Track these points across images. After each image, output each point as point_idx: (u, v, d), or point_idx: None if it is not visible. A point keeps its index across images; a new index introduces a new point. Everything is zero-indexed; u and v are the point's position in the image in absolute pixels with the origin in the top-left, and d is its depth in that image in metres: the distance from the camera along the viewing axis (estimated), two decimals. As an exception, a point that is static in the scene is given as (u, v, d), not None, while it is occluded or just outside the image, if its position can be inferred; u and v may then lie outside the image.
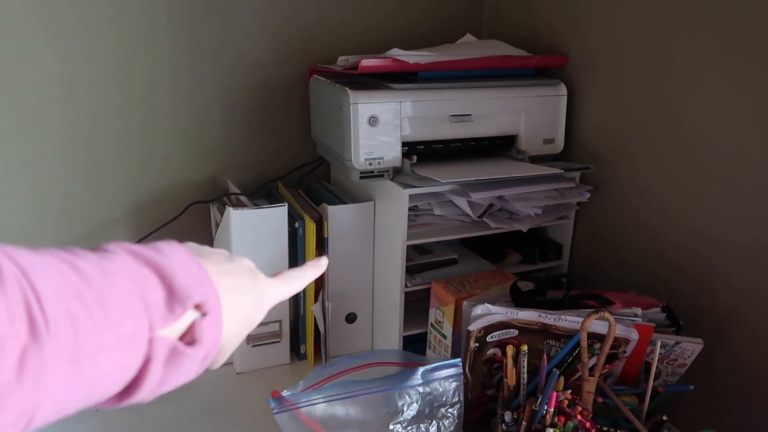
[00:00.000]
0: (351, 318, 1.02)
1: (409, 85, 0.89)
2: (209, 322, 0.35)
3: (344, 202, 0.97)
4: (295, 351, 1.02)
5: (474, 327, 0.72)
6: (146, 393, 0.33)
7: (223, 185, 1.12)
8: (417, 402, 0.63)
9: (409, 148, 0.91)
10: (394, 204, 0.89)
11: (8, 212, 0.99)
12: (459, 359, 0.68)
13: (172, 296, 0.33)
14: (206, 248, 0.42)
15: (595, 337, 0.69)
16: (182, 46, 1.02)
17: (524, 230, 0.94)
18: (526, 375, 0.70)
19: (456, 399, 0.65)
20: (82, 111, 0.99)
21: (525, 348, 0.70)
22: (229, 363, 0.99)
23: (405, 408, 0.63)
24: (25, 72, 0.94)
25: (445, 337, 0.90)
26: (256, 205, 0.92)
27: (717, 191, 0.79)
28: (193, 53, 1.03)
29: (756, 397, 0.76)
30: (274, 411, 0.67)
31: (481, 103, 0.94)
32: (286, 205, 0.93)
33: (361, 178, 0.90)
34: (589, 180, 0.98)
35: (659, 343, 0.69)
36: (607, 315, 0.64)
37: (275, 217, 0.92)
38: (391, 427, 0.62)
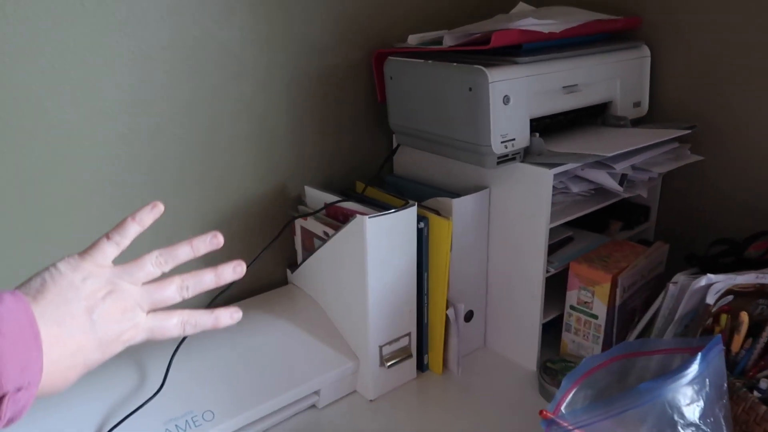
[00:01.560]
0: (468, 316, 0.94)
1: (531, 57, 0.83)
2: (21, 396, 0.38)
3: (452, 194, 0.88)
4: (418, 363, 0.92)
5: (712, 299, 0.69)
6: None
7: (294, 193, 0.98)
8: (700, 395, 0.58)
9: (532, 126, 0.85)
10: (531, 186, 0.83)
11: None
12: (718, 335, 0.64)
13: None
14: (52, 285, 0.42)
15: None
16: (250, 34, 0.86)
17: (645, 195, 0.93)
18: (752, 340, 0.68)
19: (725, 385, 0.62)
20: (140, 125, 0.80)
21: (744, 317, 0.69)
22: (352, 393, 0.87)
23: (691, 409, 0.58)
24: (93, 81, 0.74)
25: (595, 317, 0.87)
26: (383, 209, 0.81)
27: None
28: (256, 44, 0.88)
29: None
30: (548, 431, 0.59)
31: (586, 72, 0.90)
32: (416, 205, 0.83)
33: (498, 163, 0.82)
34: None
35: None
36: None
37: (405, 220, 0.82)
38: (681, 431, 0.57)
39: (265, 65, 0.90)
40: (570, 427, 0.58)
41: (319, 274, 0.91)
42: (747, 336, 0.69)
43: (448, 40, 0.87)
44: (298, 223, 0.94)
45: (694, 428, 0.56)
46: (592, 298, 0.86)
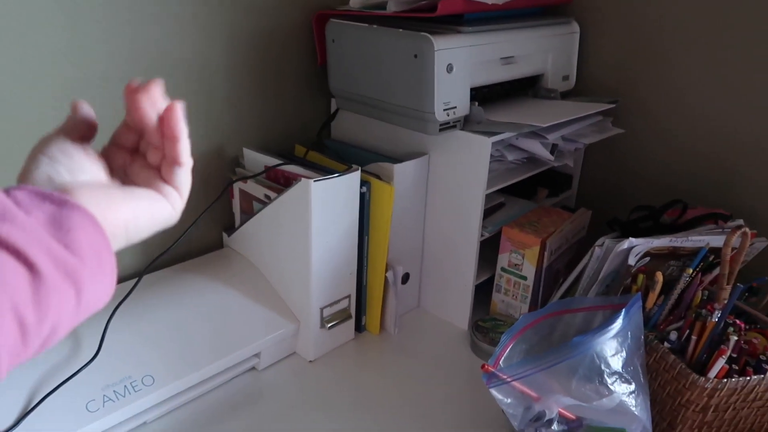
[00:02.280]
0: (405, 278, 0.98)
1: (475, 27, 0.85)
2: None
3: (392, 159, 0.90)
4: (356, 324, 0.94)
5: (633, 260, 0.75)
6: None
7: (231, 154, 0.96)
8: (623, 346, 0.65)
9: (472, 95, 0.88)
10: (470, 154, 0.86)
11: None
12: (638, 293, 0.70)
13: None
14: (81, 175, 0.39)
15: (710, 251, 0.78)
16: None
17: (571, 164, 0.98)
18: (664, 298, 0.76)
19: (642, 337, 0.68)
20: (67, 81, 0.75)
21: (659, 276, 0.76)
22: (291, 354, 0.88)
23: (615, 359, 0.64)
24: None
25: (524, 278, 0.92)
26: (326, 173, 0.81)
27: (728, 110, 0.92)
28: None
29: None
30: (489, 385, 0.63)
31: (522, 45, 0.94)
32: (360, 169, 0.83)
33: (440, 130, 0.84)
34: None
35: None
36: (746, 229, 0.72)
37: (349, 184, 0.83)
38: (607, 380, 0.63)
39: (202, 23, 0.87)
40: (508, 379, 0.62)
41: (258, 237, 0.91)
42: (659, 294, 0.76)
43: (392, 5, 0.87)
44: (237, 185, 0.93)
45: (617, 376, 0.62)
46: (523, 261, 0.91)
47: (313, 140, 1.02)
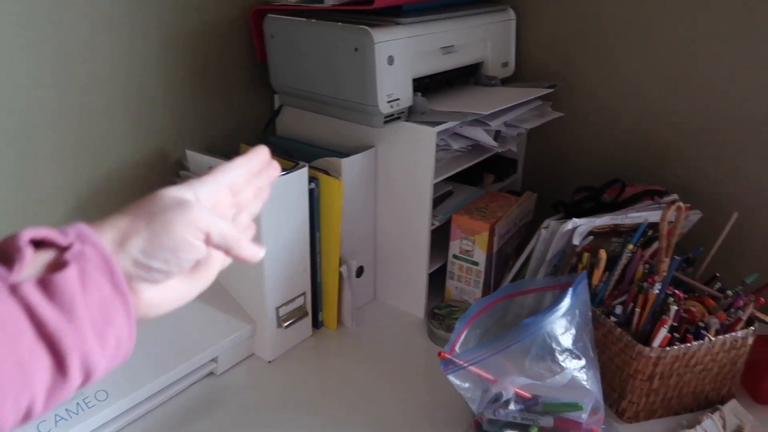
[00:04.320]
0: (360, 272, 0.98)
1: (413, 18, 0.85)
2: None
3: (339, 154, 0.89)
4: (314, 320, 0.94)
5: (577, 240, 0.78)
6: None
7: (174, 157, 0.94)
8: (572, 324, 0.67)
9: (414, 86, 0.89)
10: (416, 144, 0.87)
11: None
12: (584, 272, 0.73)
13: (61, 369, 0.32)
14: (125, 221, 0.37)
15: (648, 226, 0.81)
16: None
17: (515, 149, 1.01)
18: (609, 274, 0.79)
19: (590, 313, 0.71)
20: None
21: (603, 254, 0.78)
22: (250, 356, 0.88)
23: (565, 337, 0.66)
24: None
25: (476, 264, 0.94)
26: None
27: (663, 84, 0.96)
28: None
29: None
30: (446, 372, 0.64)
31: (461, 34, 0.95)
32: (307, 166, 0.83)
33: (385, 122, 0.85)
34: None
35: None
36: (680, 204, 0.76)
37: (297, 181, 0.82)
38: (559, 357, 0.66)
39: (135, 22, 0.84)
40: (465, 365, 0.64)
41: (208, 241, 0.89)
42: (604, 270, 0.79)
43: (330, -1, 0.87)
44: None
45: (568, 353, 0.65)
46: (473, 247, 0.93)
47: (258, 138, 1.01)
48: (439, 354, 0.64)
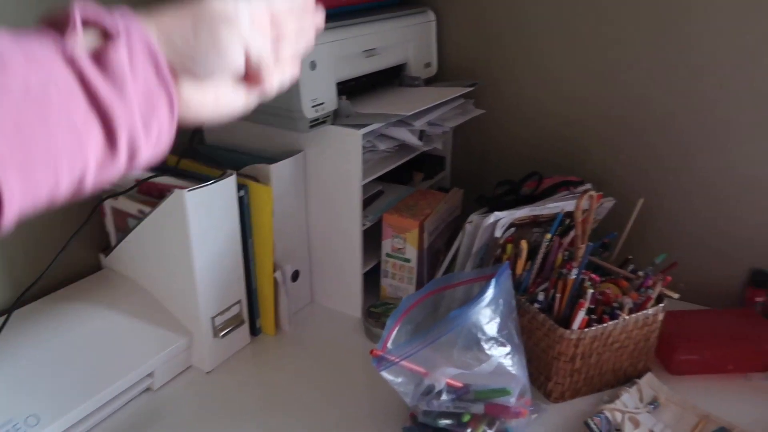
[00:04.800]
0: (295, 276, 0.99)
1: (333, 23, 0.87)
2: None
3: (268, 159, 0.90)
4: (251, 328, 0.94)
5: (499, 232, 0.81)
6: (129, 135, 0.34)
7: (97, 173, 0.91)
8: (496, 313, 0.70)
9: (339, 89, 0.90)
10: (343, 147, 0.89)
11: None
12: (506, 262, 0.77)
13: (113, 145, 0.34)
14: (169, 17, 0.37)
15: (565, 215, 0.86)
16: None
17: (440, 147, 1.04)
18: (531, 263, 0.83)
19: (514, 302, 0.75)
20: None
21: (524, 244, 0.83)
22: (187, 368, 0.87)
23: (490, 326, 0.70)
24: None
25: (408, 261, 0.97)
26: (201, 181, 0.80)
27: (572, 86, 1.02)
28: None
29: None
30: (379, 369, 0.67)
31: (382, 37, 0.97)
32: (235, 174, 0.83)
33: (311, 127, 0.86)
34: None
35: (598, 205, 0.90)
36: (591, 193, 0.81)
37: (225, 190, 0.82)
38: (485, 346, 0.69)
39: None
40: (396, 360, 0.66)
41: (138, 254, 0.88)
42: (527, 260, 0.84)
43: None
44: (108, 203, 0.89)
45: (493, 341, 0.68)
46: (404, 244, 0.96)
47: (185, 147, 0.99)
48: (371, 351, 0.66)
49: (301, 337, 0.96)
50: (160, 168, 0.87)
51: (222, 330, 0.87)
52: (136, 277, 0.90)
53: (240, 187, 0.85)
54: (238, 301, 0.89)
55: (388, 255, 0.98)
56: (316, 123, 0.87)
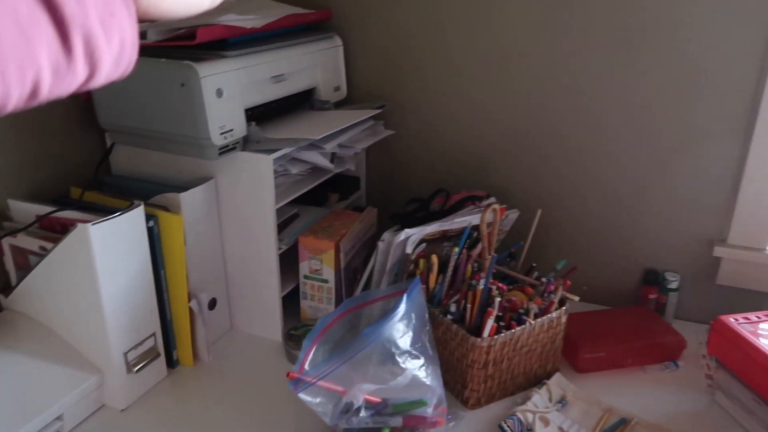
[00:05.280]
0: (212, 304, 0.98)
1: (239, 51, 0.88)
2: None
3: (178, 188, 0.89)
4: (168, 360, 0.92)
5: (410, 249, 0.84)
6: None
7: (-8, 209, 0.87)
8: (409, 327, 0.73)
9: (248, 115, 0.91)
10: (254, 172, 0.89)
11: None
12: (417, 277, 0.79)
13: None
14: None
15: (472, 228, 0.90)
16: None
17: (353, 168, 1.06)
18: (443, 276, 0.87)
19: (427, 315, 0.77)
20: None
21: (435, 258, 0.86)
22: (100, 407, 0.84)
23: (403, 340, 0.72)
24: None
25: (326, 281, 0.98)
26: (106, 213, 0.78)
27: (474, 108, 1.08)
28: None
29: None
30: (296, 391, 0.67)
31: (290, 62, 0.99)
32: (142, 205, 0.82)
33: (220, 154, 0.86)
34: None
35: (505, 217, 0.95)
36: (495, 206, 0.86)
37: (133, 221, 0.80)
38: (399, 360, 0.71)
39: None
40: (313, 381, 0.67)
41: (41, 293, 0.84)
42: (438, 273, 0.87)
43: (153, 34, 0.86)
44: (5, 241, 0.85)
45: (407, 354, 0.70)
46: (321, 265, 0.97)
47: (89, 179, 0.97)
48: (288, 374, 0.67)
49: (222, 365, 0.94)
50: (63, 201, 0.85)
51: (136, 365, 0.84)
52: (41, 317, 0.86)
53: (149, 217, 0.84)
54: (153, 334, 0.87)
55: (305, 277, 0.99)
56: (226, 150, 0.87)
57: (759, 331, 0.80)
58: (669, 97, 0.96)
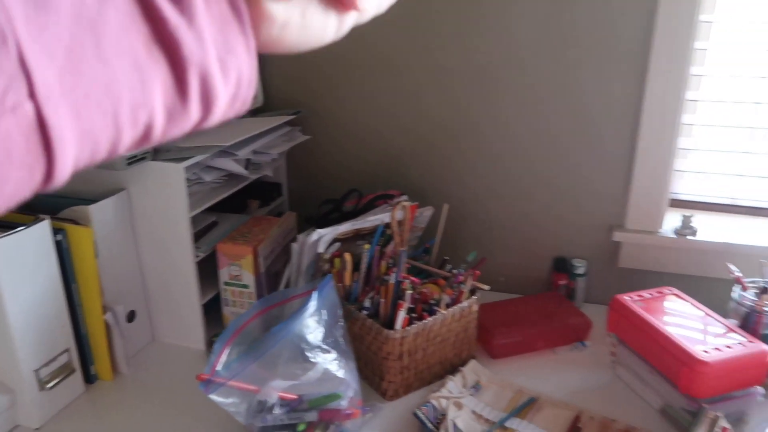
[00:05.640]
0: (131, 316, 0.97)
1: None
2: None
3: (87, 201, 0.88)
4: (86, 375, 0.91)
5: (322, 248, 0.86)
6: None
7: None
8: (320, 323, 0.75)
9: (157, 125, 0.91)
10: (166, 182, 0.89)
11: None
12: (328, 275, 0.81)
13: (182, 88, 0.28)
14: None
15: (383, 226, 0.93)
16: None
17: (271, 174, 1.08)
18: (358, 272, 0.89)
19: (339, 311, 0.80)
20: None
21: (348, 257, 0.89)
22: (14, 428, 0.82)
23: (314, 336, 0.74)
24: None
25: (246, 287, 0.99)
26: (8, 229, 0.77)
27: (390, 110, 1.12)
28: None
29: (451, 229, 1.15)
30: (207, 392, 0.68)
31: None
32: (48, 218, 0.80)
33: (129, 164, 0.86)
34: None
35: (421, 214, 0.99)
36: (404, 204, 0.89)
37: (38, 236, 0.79)
38: (309, 355, 0.73)
39: None
40: (224, 381, 0.68)
41: (-59, 314, 0.81)
42: (354, 271, 0.89)
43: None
44: None
45: (318, 349, 0.72)
46: (241, 271, 0.98)
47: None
48: (198, 376, 0.67)
49: (143, 377, 0.94)
50: (-37, 219, 0.82)
51: (49, 382, 0.83)
52: (-56, 340, 0.84)
53: (57, 231, 0.82)
54: (66, 350, 0.86)
55: (226, 283, 1.00)
56: (135, 160, 0.87)
57: (653, 307, 0.86)
58: (561, 97, 1.02)
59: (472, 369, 0.90)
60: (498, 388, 0.88)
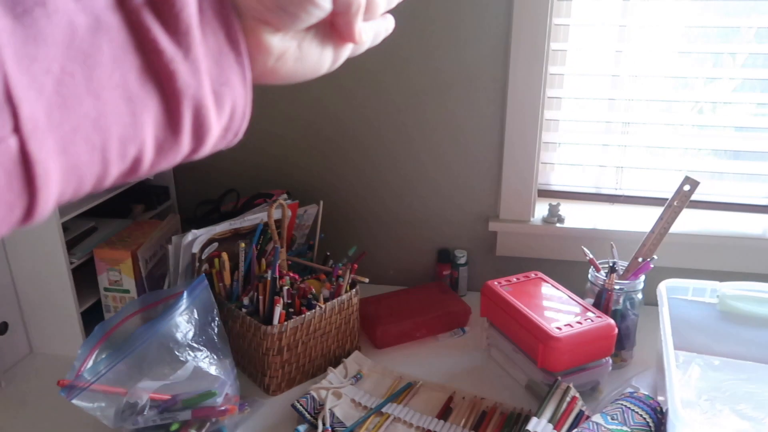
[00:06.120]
0: (3, 328, 0.93)
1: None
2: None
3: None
4: (-49, 393, 0.87)
5: (196, 249, 0.86)
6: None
7: None
8: (190, 322, 0.76)
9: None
10: (33, 188, 0.87)
11: None
12: (202, 275, 0.82)
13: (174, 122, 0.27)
14: None
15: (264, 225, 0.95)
16: None
17: (152, 178, 1.06)
18: (238, 271, 0.90)
19: (215, 310, 0.80)
20: None
21: (225, 256, 0.90)
22: None
23: (183, 335, 0.75)
24: None
25: (127, 291, 0.98)
26: None
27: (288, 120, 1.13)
28: None
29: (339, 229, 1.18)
30: (70, 398, 0.67)
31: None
32: None
33: (-13, 170, 0.82)
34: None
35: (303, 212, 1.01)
36: (281, 202, 0.91)
37: None
38: (178, 354, 0.74)
39: None
40: (86, 385, 0.67)
41: None
42: (235, 270, 0.90)
43: None
44: None
45: (188, 347, 0.73)
46: (121, 276, 0.96)
47: None
48: (59, 382, 0.66)
49: (20, 391, 0.90)
50: None
51: None
52: None
53: None
54: (-75, 367, 0.82)
55: (106, 289, 0.98)
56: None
57: (519, 291, 0.93)
58: (436, 99, 1.07)
59: (354, 359, 0.93)
60: (379, 376, 0.91)
